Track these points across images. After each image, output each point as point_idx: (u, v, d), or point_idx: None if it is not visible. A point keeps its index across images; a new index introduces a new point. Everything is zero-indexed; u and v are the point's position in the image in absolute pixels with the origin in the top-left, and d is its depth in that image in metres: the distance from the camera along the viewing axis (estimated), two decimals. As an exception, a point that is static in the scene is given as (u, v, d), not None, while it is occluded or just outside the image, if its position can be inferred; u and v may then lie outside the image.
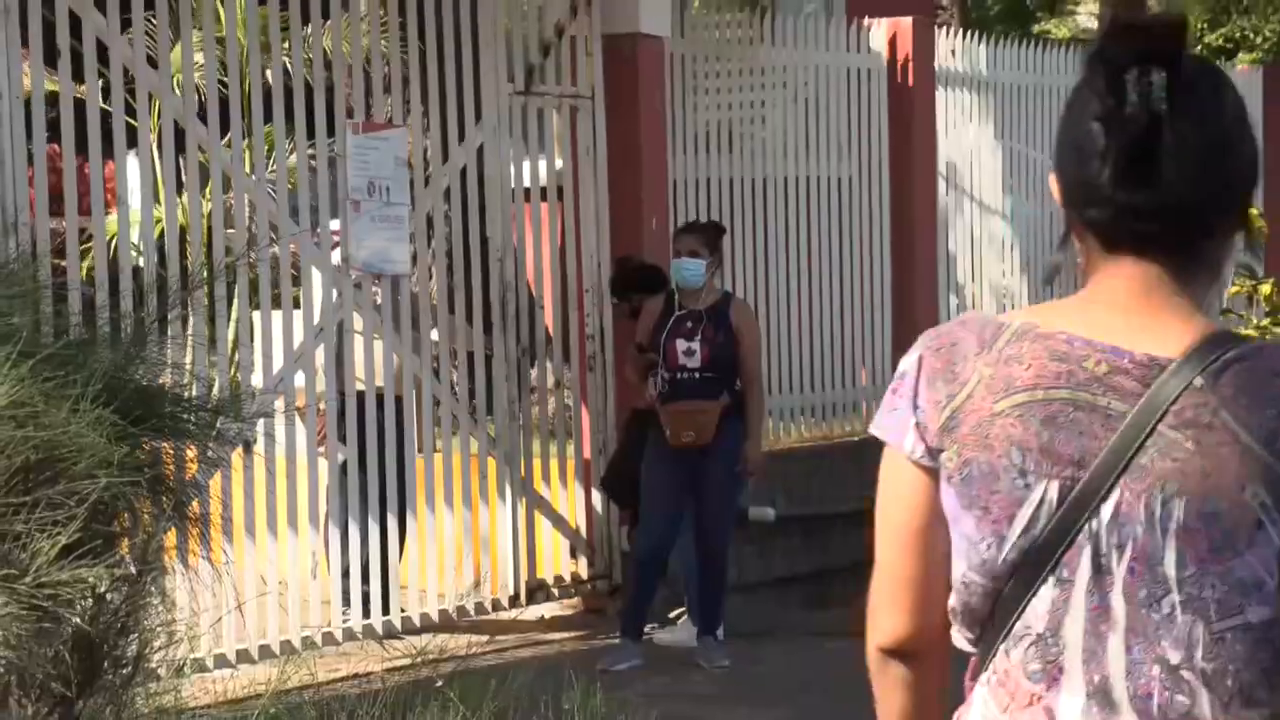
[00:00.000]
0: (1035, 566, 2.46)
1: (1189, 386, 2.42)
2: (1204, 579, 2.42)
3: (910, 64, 12.73)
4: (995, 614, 2.51)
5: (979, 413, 2.48)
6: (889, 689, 2.69)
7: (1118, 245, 2.49)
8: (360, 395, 9.84)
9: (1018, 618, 2.48)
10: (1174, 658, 2.43)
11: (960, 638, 2.59)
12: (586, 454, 10.84)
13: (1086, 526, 2.44)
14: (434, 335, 10.50)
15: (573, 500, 10.86)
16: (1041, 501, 2.45)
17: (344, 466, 9.80)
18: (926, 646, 2.61)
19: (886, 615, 2.63)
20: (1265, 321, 9.76)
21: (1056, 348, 2.47)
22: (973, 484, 2.48)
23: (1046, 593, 2.46)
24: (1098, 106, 2.45)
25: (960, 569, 2.52)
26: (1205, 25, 25.65)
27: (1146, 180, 2.44)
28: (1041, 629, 2.47)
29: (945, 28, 14.64)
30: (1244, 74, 16.63)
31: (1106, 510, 2.44)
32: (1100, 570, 2.44)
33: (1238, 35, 24.96)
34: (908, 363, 2.56)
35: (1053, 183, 2.58)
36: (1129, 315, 2.49)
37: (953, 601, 2.56)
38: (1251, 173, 2.52)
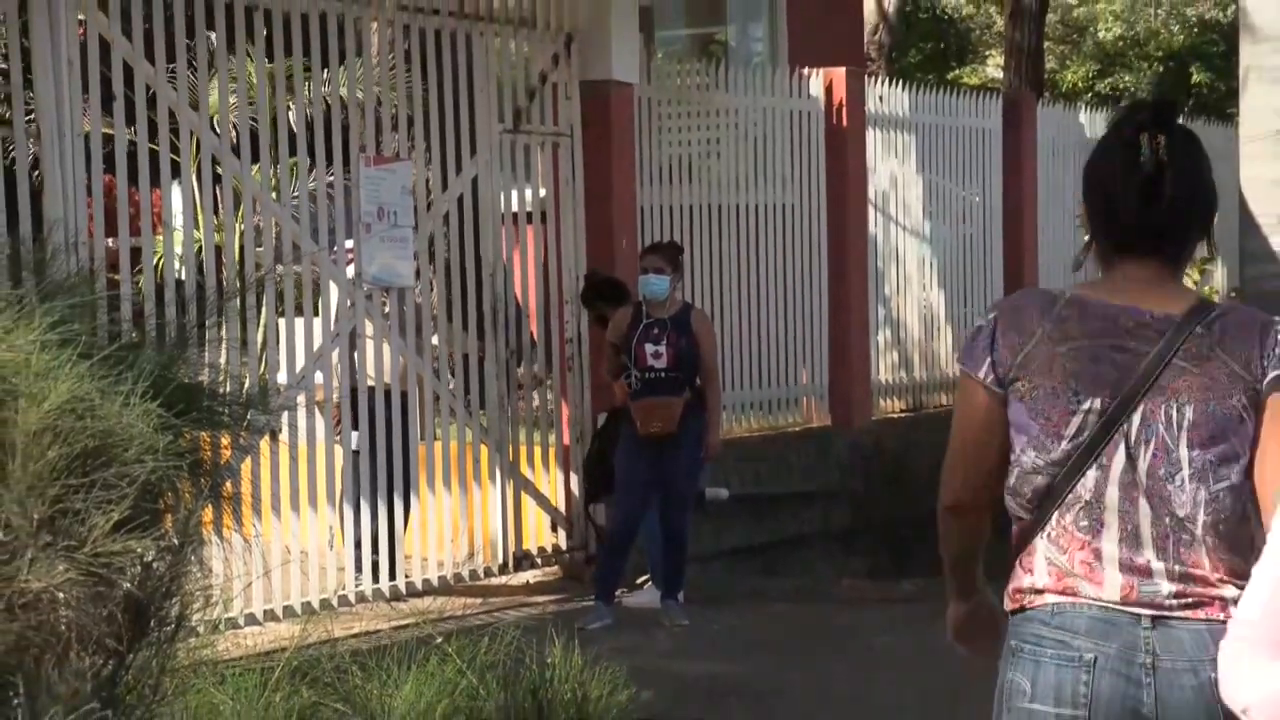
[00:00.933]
0: (1083, 457, 3.16)
1: (1192, 333, 3.15)
2: (1205, 457, 3.14)
3: (844, 107, 12.74)
4: (1050, 490, 3.19)
5: (1044, 354, 3.18)
6: (951, 534, 3.39)
7: (1130, 249, 3.22)
8: (371, 391, 9.82)
9: (1069, 491, 3.17)
10: (1182, 513, 3.14)
11: (1020, 508, 3.24)
12: (566, 441, 10.84)
13: (1120, 429, 3.15)
14: (434, 339, 10.48)
15: (554, 482, 10.85)
16: (1089, 412, 3.16)
17: (356, 452, 9.78)
18: (972, 508, 3.32)
19: (948, 487, 3.33)
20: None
21: (1097, 311, 3.19)
22: (1039, 401, 3.18)
23: (1091, 474, 3.16)
24: (1119, 156, 3.20)
25: (1029, 460, 3.21)
26: (1095, 75, 25.72)
27: (1154, 205, 3.17)
28: (1089, 498, 3.17)
29: (874, 77, 14.64)
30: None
31: (1135, 418, 3.15)
32: (1130, 458, 3.15)
33: (1121, 85, 25.04)
34: (983, 321, 3.26)
35: (1081, 209, 3.29)
36: (1144, 290, 3.20)
37: (1016, 483, 3.23)
38: (1215, 201, 3.27)
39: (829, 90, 12.73)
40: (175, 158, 9.02)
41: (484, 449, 10.46)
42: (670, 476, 9.41)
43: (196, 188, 9.35)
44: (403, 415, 9.91)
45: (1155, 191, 3.16)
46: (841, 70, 12.86)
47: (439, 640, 5.94)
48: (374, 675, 5.59)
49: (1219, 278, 16.22)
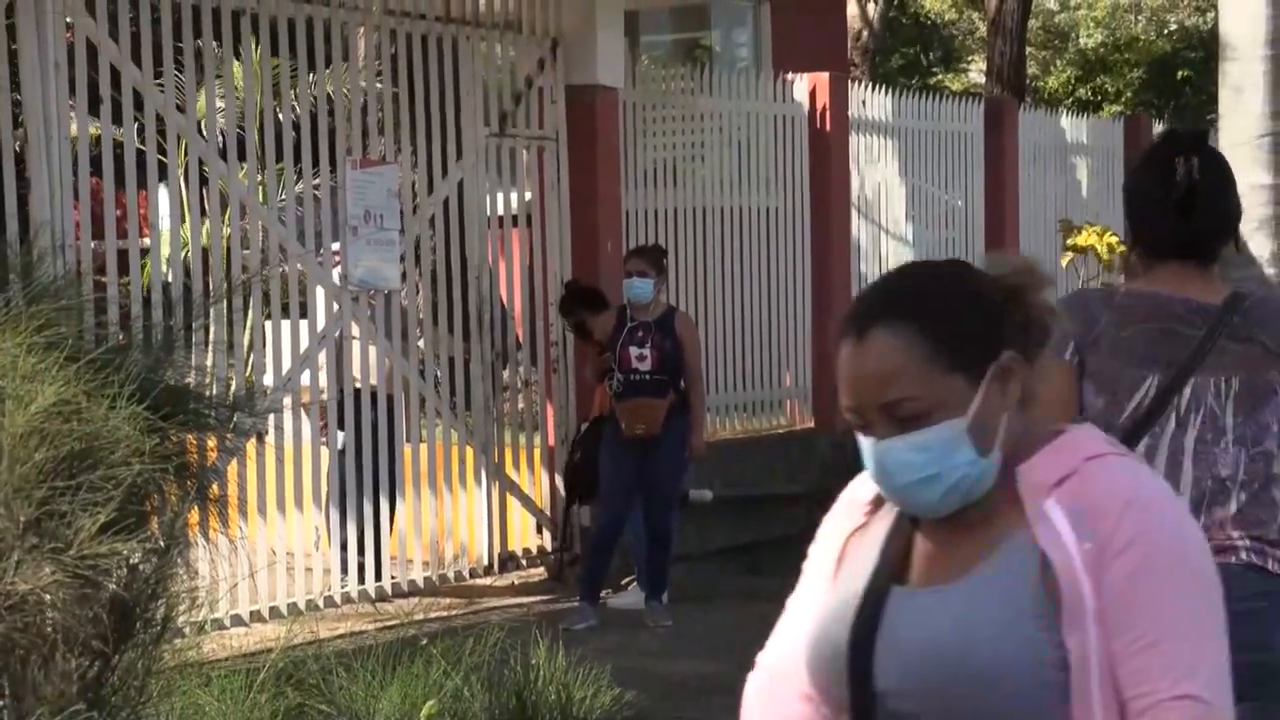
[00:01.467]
0: (1140, 426, 3.64)
1: (1233, 318, 3.65)
2: (1246, 424, 3.65)
3: (827, 112, 12.75)
4: None
5: (1111, 338, 3.68)
6: None
7: (1168, 254, 3.72)
8: (357, 393, 9.81)
9: None
10: (1224, 473, 3.64)
11: None
12: (551, 443, 10.83)
13: (1173, 400, 3.64)
14: (420, 342, 10.47)
15: (539, 483, 10.84)
16: (1149, 387, 3.66)
17: (342, 454, 9.77)
18: None
19: None
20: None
21: (1152, 300, 3.69)
22: (1107, 378, 3.68)
23: (1145, 441, 3.64)
24: (1159, 177, 3.71)
25: None
26: (1076, 80, 25.76)
27: (1188, 217, 3.67)
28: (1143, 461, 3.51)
29: (857, 81, 14.64)
30: (1106, 124, 16.68)
31: (1187, 390, 3.63)
32: (1180, 426, 3.64)
33: (1103, 90, 25.07)
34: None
35: (1127, 223, 3.83)
36: (1187, 284, 3.70)
37: None
38: (1239, 213, 3.82)
39: (812, 95, 12.73)
40: (163, 159, 9.00)
41: (469, 450, 10.45)
42: (654, 478, 9.42)
43: (184, 190, 9.33)
44: (389, 417, 9.90)
45: (1190, 204, 3.68)
46: (825, 75, 12.87)
47: (424, 641, 5.93)
48: (359, 676, 5.58)
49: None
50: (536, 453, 10.85)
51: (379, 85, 10.16)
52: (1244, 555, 3.65)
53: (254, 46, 9.35)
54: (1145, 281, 3.75)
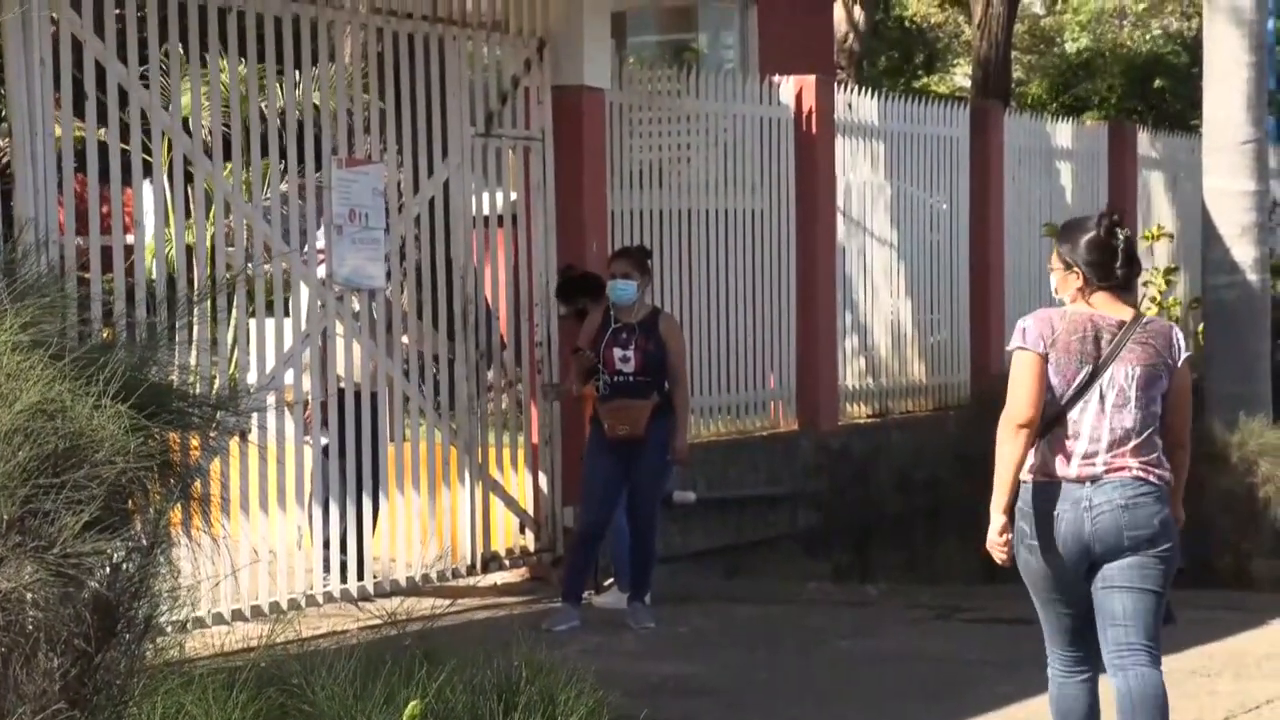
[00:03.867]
0: (1076, 397, 5.62)
1: (1136, 330, 5.67)
2: (1143, 395, 5.65)
3: (813, 115, 12.75)
4: (1056, 416, 5.61)
5: (1063, 340, 5.64)
6: (1016, 444, 5.62)
7: (1099, 285, 5.70)
8: (341, 391, 9.79)
9: (1066, 416, 5.62)
10: (1128, 425, 5.64)
11: (1042, 425, 5.59)
12: (535, 443, 10.82)
13: (1099, 381, 5.63)
14: (405, 341, 10.46)
15: (522, 483, 10.83)
16: (1082, 371, 5.62)
17: (326, 452, 9.75)
18: (1032, 425, 5.62)
19: (1021, 413, 5.61)
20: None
21: (1088, 317, 5.67)
22: (1060, 365, 5.63)
23: (1079, 407, 5.63)
24: (1103, 238, 5.69)
25: (1050, 399, 5.59)
26: (1059, 87, 25.77)
27: (1126, 267, 5.73)
28: (1074, 419, 5.63)
29: (843, 84, 14.65)
30: (1091, 129, 16.69)
31: (1106, 374, 5.63)
32: (1101, 398, 5.63)
33: (1084, 95, 25.09)
34: (1026, 323, 5.68)
35: (1069, 267, 5.80)
36: (1111, 307, 5.70)
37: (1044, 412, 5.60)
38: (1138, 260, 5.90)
39: (799, 97, 12.73)
40: (147, 157, 8.97)
41: (453, 450, 10.44)
42: (638, 479, 9.42)
43: (168, 188, 9.31)
44: (372, 416, 9.88)
45: (1128, 259, 5.72)
46: (811, 78, 12.87)
47: (407, 641, 5.92)
48: (341, 676, 5.57)
49: (1181, 288, 16.30)
50: (520, 453, 10.84)
51: (365, 85, 10.13)
52: (1135, 471, 5.64)
53: (239, 44, 9.32)
54: (1085, 304, 5.73)
